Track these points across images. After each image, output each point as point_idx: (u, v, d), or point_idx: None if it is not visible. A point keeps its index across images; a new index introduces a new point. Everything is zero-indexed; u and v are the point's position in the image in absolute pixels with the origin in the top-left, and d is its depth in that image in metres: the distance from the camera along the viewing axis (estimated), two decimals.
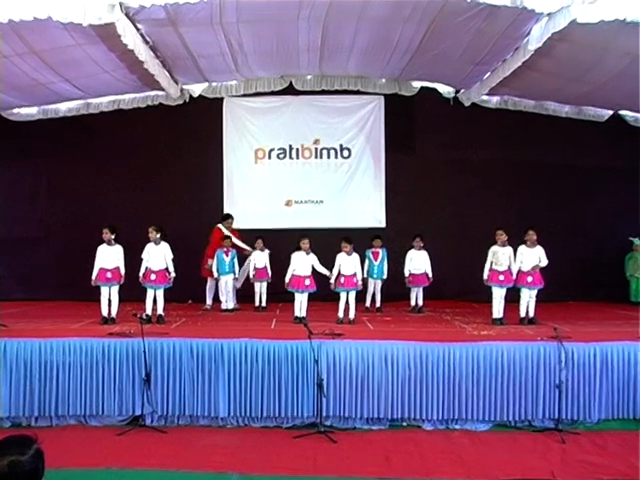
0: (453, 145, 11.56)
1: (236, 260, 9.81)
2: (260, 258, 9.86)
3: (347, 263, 8.45)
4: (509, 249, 8.36)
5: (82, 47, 8.38)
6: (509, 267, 8.33)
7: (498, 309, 8.34)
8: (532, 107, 11.32)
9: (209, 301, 10.20)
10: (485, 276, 8.42)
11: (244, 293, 10.34)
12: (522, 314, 8.37)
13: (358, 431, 6.66)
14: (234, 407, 6.74)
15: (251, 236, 10.24)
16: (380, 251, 9.80)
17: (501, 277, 8.30)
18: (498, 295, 8.34)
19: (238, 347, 6.77)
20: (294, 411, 6.69)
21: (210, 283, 10.18)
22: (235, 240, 10.08)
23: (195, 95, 11.33)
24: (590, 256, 11.22)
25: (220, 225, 10.32)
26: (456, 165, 11.52)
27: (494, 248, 8.41)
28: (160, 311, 8.32)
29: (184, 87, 11.10)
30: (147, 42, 8.63)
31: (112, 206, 11.18)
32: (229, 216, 10.51)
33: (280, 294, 9.33)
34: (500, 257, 8.33)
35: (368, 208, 11.83)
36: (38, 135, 11.35)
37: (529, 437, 6.45)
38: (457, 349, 6.74)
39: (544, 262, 8.34)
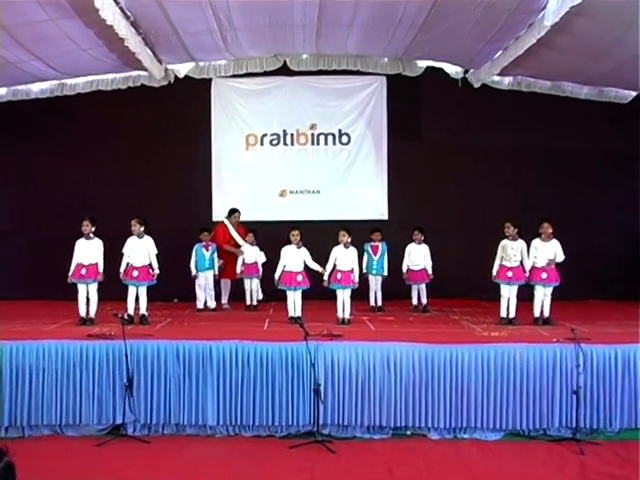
0: (461, 130, 11.52)
1: (216, 255, 9.82)
2: (250, 253, 9.83)
3: (344, 257, 8.41)
4: (520, 243, 8.36)
5: (56, 22, 8.30)
6: (520, 262, 8.34)
7: (506, 308, 8.36)
8: (548, 88, 11.28)
9: (224, 299, 10.26)
10: (494, 272, 8.46)
11: (234, 291, 10.32)
12: (536, 314, 8.36)
13: (358, 440, 6.66)
14: (224, 415, 6.72)
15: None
16: (379, 245, 9.79)
17: (509, 273, 8.31)
18: (506, 293, 8.36)
19: (228, 350, 6.75)
20: (289, 419, 6.67)
21: (224, 282, 10.20)
22: (236, 237, 10.15)
23: (180, 76, 11.24)
24: (611, 250, 11.23)
25: (225, 220, 10.40)
26: (465, 152, 11.50)
27: (504, 242, 8.43)
28: (143, 311, 8.30)
29: (168, 67, 11.02)
30: (128, 17, 8.55)
31: (90, 196, 11.15)
32: (235, 211, 10.53)
33: (273, 292, 9.29)
34: (509, 252, 8.34)
35: (369, 199, 11.82)
36: (7, 118, 11.26)
37: (544, 447, 6.45)
38: (465, 351, 6.73)
39: (560, 257, 8.33)
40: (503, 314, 8.39)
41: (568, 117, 11.37)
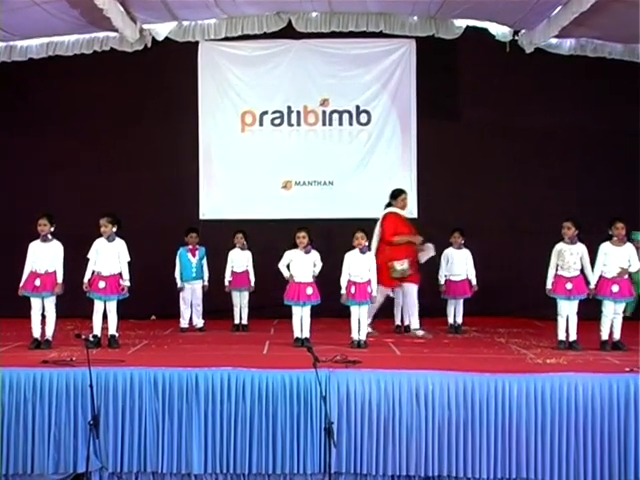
0: (509, 107, 11.51)
1: (205, 261, 9.86)
2: (240, 259, 9.83)
3: (359, 265, 8.38)
4: (580, 247, 8.32)
5: None
6: (581, 271, 8.31)
7: (565, 329, 8.34)
8: (620, 53, 11.26)
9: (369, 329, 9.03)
10: (548, 284, 8.42)
11: (223, 307, 10.27)
12: (604, 336, 8.32)
13: None
14: (213, 461, 6.69)
15: (233, 229, 10.16)
16: None
17: (568, 285, 8.26)
18: (565, 310, 8.32)
19: (219, 379, 6.74)
20: (294, 466, 6.65)
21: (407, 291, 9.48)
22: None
23: (160, 38, 11.29)
24: None
25: (394, 209, 9.68)
26: (513, 133, 11.50)
27: (559, 246, 8.38)
28: (113, 331, 8.31)
29: (144, 27, 11.08)
30: None
31: (48, 189, 11.21)
32: (401, 192, 9.81)
33: (274, 307, 9.31)
34: (567, 258, 8.30)
35: None
36: None
37: None
38: (514, 383, 6.69)
39: (636, 266, 8.29)
40: (561, 336, 8.35)
41: None
